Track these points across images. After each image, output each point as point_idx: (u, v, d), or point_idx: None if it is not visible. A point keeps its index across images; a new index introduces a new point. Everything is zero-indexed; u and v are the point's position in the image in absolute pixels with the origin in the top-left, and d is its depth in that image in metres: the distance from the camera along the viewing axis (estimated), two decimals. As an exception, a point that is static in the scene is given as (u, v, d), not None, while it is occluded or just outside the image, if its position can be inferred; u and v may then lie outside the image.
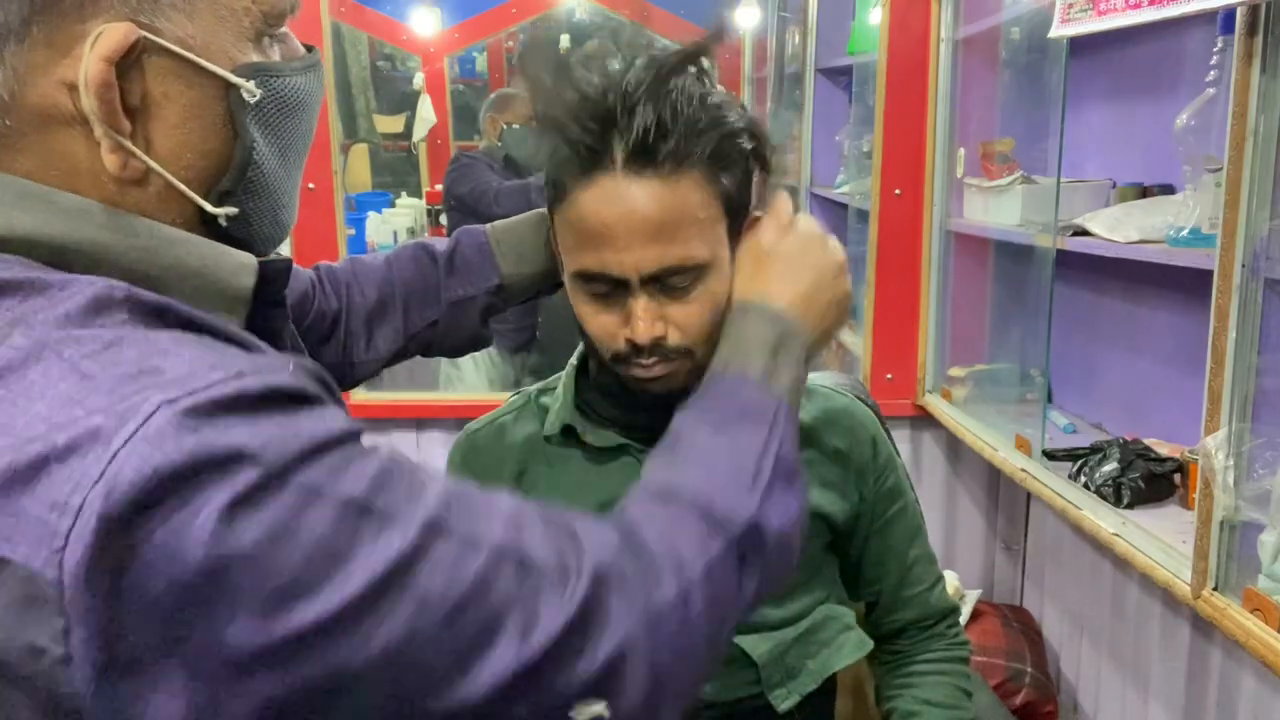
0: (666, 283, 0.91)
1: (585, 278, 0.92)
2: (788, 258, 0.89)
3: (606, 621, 0.59)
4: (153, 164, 0.61)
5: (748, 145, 0.93)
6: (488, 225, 1.10)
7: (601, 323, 0.94)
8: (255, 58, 0.64)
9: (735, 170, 0.92)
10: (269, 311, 0.71)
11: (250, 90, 0.63)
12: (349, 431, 0.58)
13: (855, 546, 1.12)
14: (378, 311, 1.07)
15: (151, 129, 0.61)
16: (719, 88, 0.93)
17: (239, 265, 0.65)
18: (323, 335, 1.04)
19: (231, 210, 0.65)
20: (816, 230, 0.92)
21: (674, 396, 0.97)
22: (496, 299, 1.08)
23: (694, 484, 0.70)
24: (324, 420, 0.57)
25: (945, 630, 1.17)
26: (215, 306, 0.63)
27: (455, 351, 1.12)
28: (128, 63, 0.58)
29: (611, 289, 0.92)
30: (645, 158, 0.87)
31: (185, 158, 0.62)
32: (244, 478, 0.52)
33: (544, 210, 1.07)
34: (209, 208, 0.64)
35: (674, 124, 0.87)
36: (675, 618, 0.62)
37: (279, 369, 0.57)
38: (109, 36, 0.57)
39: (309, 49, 0.71)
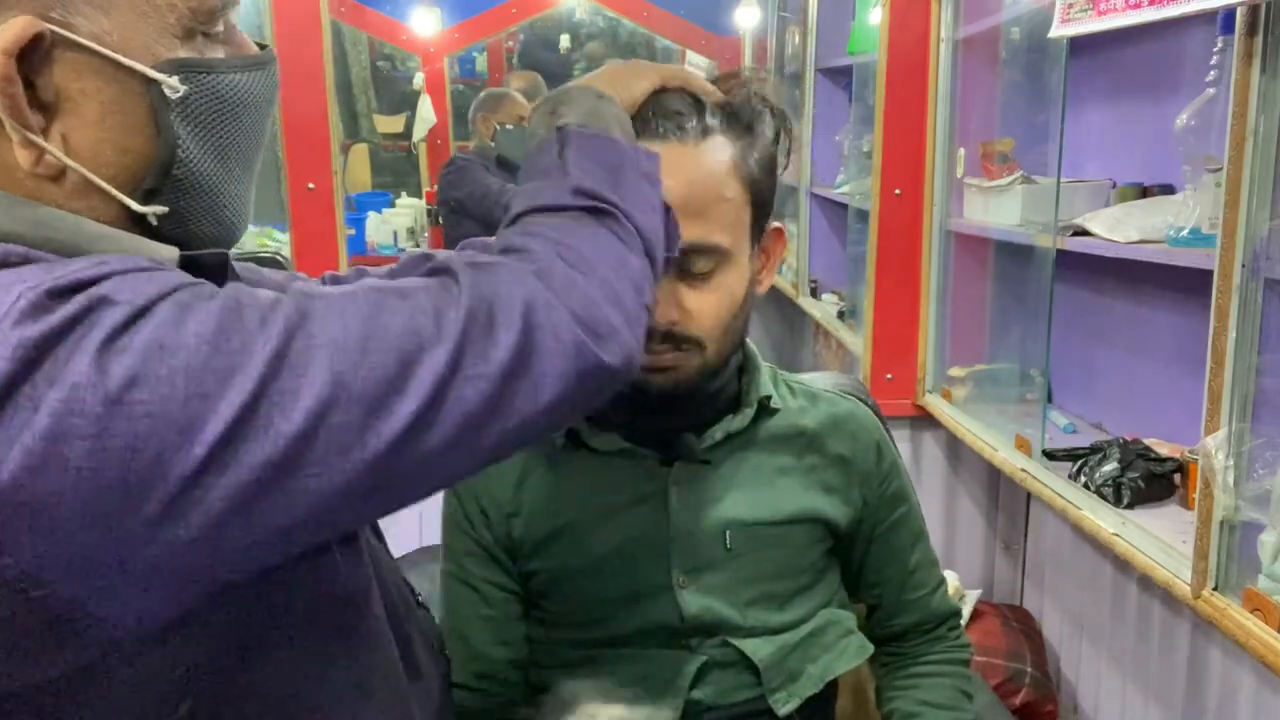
0: (686, 265, 0.91)
1: None
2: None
3: (503, 293, 0.63)
4: (67, 160, 0.60)
5: (773, 131, 0.94)
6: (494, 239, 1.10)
7: None
8: (184, 54, 0.63)
9: (761, 152, 0.93)
10: None
11: (173, 86, 0.62)
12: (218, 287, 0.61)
13: (857, 551, 1.12)
14: None
15: (69, 125, 0.60)
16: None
17: (154, 258, 0.63)
18: None
19: (160, 209, 0.64)
20: None
21: (678, 394, 0.97)
22: None
23: (522, 206, 0.74)
24: (187, 277, 0.60)
25: (946, 633, 1.17)
26: None
27: None
28: (37, 57, 0.58)
29: None
30: (672, 121, 0.88)
31: (105, 154, 0.61)
32: (110, 316, 0.53)
33: None
34: (135, 206, 0.63)
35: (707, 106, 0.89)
36: (560, 268, 0.66)
37: (151, 265, 0.60)
38: (6, 29, 0.56)
39: (263, 47, 0.70)
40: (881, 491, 1.11)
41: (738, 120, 0.92)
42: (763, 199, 0.95)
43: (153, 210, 0.64)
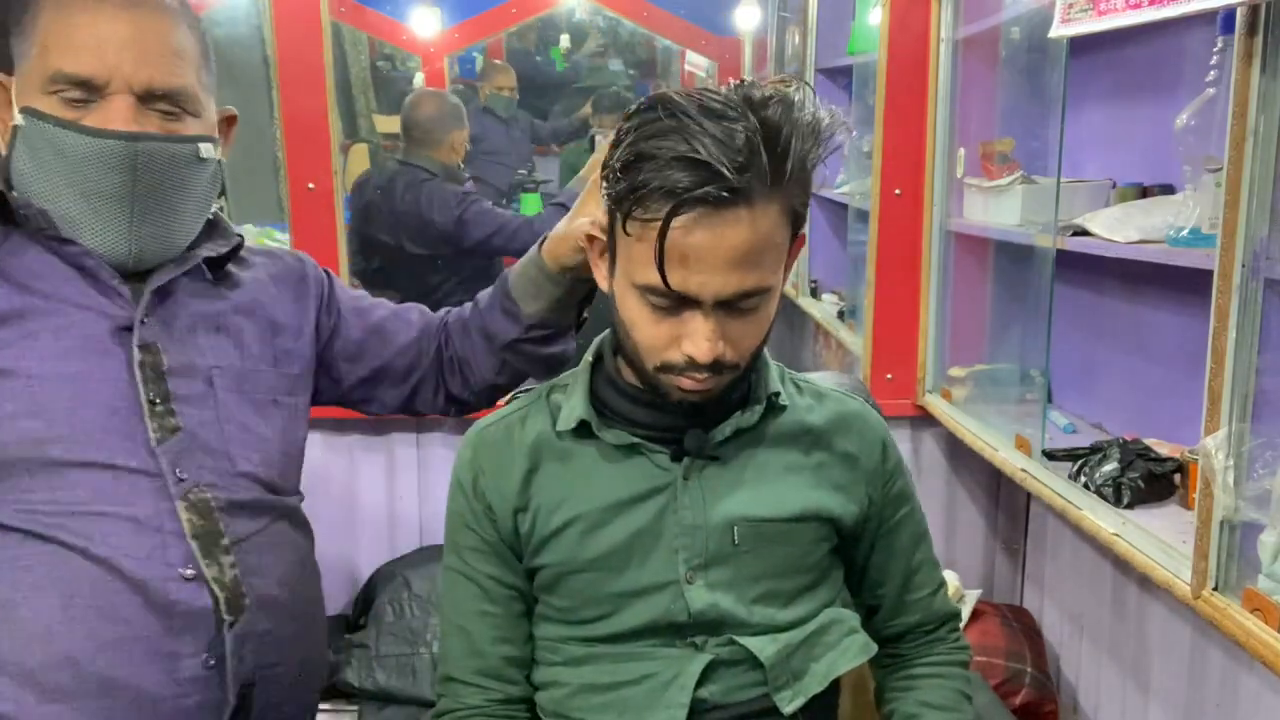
0: (736, 304, 0.93)
1: (653, 292, 0.92)
2: None
3: None
4: None
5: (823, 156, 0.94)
6: (509, 271, 1.29)
7: (656, 333, 0.95)
8: (35, 104, 1.04)
9: (805, 188, 0.94)
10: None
11: (18, 118, 1.05)
12: None
13: (862, 550, 1.13)
14: (468, 356, 1.31)
15: None
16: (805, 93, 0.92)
17: None
18: (450, 368, 1.33)
19: (5, 187, 1.07)
20: None
21: (698, 402, 0.99)
22: (539, 330, 1.26)
23: None
24: None
25: (946, 635, 1.17)
26: None
27: (550, 371, 1.30)
28: None
29: (675, 304, 0.93)
30: (742, 189, 0.87)
31: None
32: None
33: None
34: None
35: (787, 160, 0.89)
36: None
37: None
38: None
39: (125, 134, 1.04)
40: (887, 490, 1.11)
41: (798, 173, 0.92)
42: (800, 225, 0.97)
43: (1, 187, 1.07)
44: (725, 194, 0.87)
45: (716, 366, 0.95)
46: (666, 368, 0.96)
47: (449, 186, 3.17)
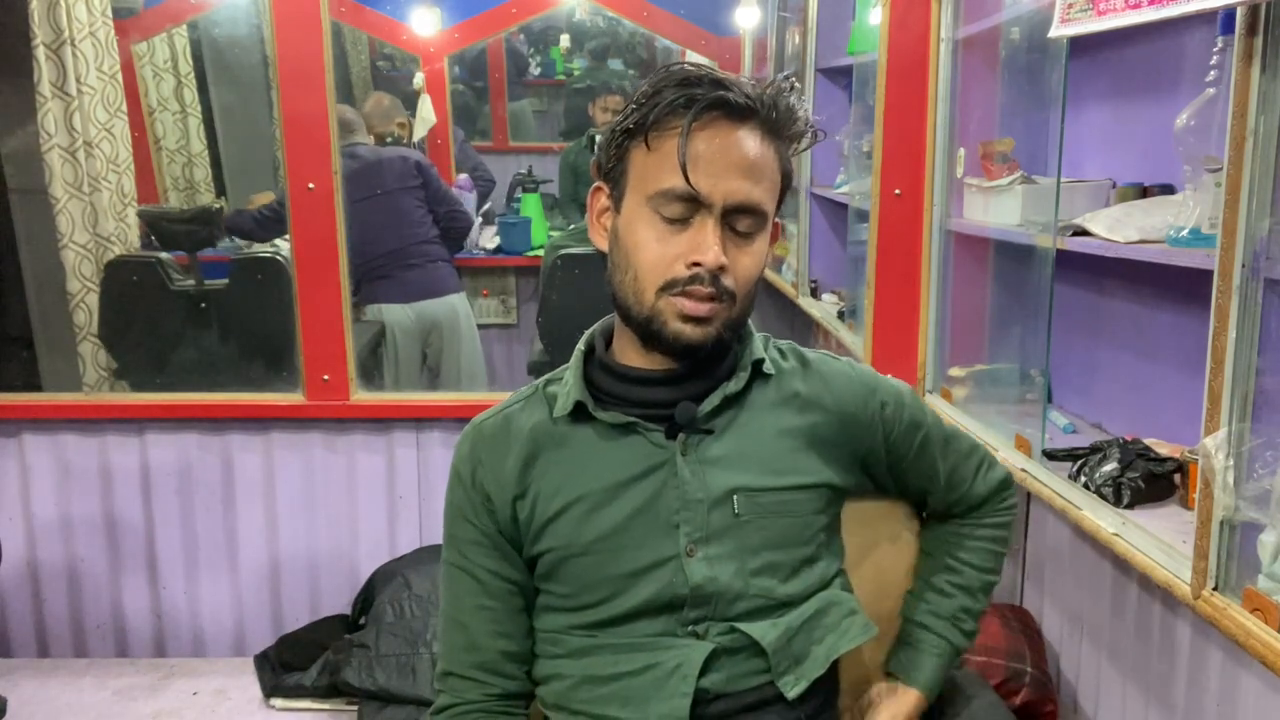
0: (737, 223, 1.01)
1: (669, 197, 0.99)
2: None
3: None
4: None
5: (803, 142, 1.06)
6: None
7: (662, 251, 1.00)
8: None
9: (789, 160, 1.05)
10: None
11: None
12: None
13: (894, 481, 1.20)
14: None
15: None
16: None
17: None
18: None
19: None
20: None
21: (693, 351, 1.02)
22: None
23: None
24: None
25: (996, 504, 1.24)
26: None
27: None
28: None
29: (685, 214, 0.99)
30: (751, 113, 1.00)
31: None
32: None
33: None
34: None
35: (782, 101, 1.02)
36: None
37: None
38: None
39: None
40: (889, 432, 1.15)
41: (786, 128, 1.04)
42: (784, 195, 1.06)
43: None
44: (743, 103, 0.99)
45: (718, 285, 0.99)
46: (670, 285, 1.00)
47: None
